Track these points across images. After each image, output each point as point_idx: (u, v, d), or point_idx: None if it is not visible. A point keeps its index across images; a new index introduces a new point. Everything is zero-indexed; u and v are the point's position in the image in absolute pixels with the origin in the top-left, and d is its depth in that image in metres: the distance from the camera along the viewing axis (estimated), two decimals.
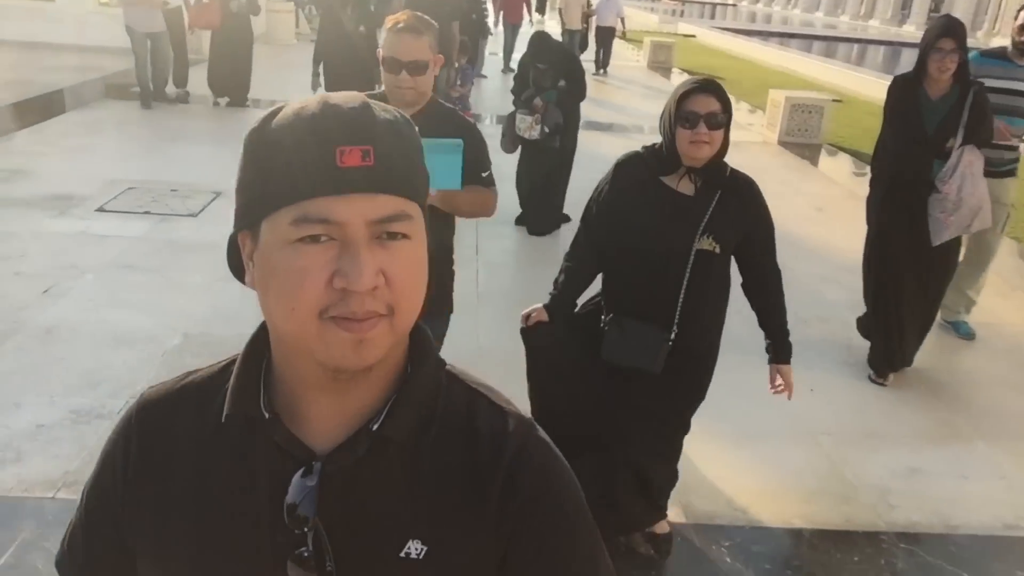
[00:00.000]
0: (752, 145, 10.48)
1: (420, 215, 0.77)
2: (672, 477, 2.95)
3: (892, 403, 4.38)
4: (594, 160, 6.33)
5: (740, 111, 13.01)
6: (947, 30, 3.87)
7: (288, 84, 11.25)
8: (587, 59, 15.31)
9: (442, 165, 2.28)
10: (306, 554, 0.77)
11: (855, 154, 10.38)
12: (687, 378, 2.71)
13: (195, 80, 10.68)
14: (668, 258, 2.49)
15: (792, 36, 27.36)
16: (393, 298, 0.74)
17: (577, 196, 5.83)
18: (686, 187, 2.49)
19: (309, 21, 18.70)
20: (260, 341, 0.84)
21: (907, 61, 21.94)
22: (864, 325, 4.80)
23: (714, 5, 52.95)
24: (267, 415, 0.80)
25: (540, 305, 2.79)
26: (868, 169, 4.44)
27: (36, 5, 13.66)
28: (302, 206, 0.72)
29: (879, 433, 4.09)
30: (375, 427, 0.79)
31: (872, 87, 15.12)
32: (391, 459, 0.80)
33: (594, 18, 15.42)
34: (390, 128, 0.75)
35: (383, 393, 0.82)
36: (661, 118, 2.51)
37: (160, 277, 5.24)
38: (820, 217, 7.56)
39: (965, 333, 5.14)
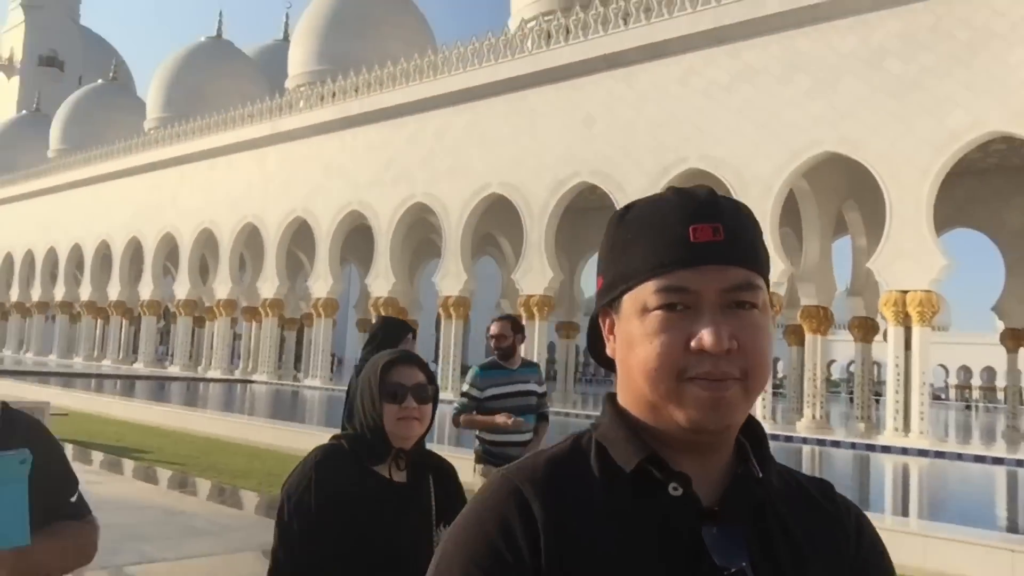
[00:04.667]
0: None
1: (765, 288, 0.85)
2: None
3: None
4: None
5: None
6: (410, 327, 4.93)
7: None
8: None
9: None
10: None
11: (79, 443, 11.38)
12: None
13: None
14: (410, 562, 1.89)
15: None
16: (746, 363, 0.81)
17: None
18: (398, 475, 2.09)
19: None
20: (616, 408, 0.88)
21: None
22: None
23: None
24: (674, 468, 0.82)
25: None
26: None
27: None
28: (662, 278, 0.82)
29: None
30: (761, 475, 0.86)
31: (91, 404, 18.56)
32: (771, 506, 0.86)
33: None
34: (734, 210, 0.85)
35: (731, 458, 0.88)
36: (358, 397, 2.11)
37: None
38: None
39: None
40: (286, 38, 56.84)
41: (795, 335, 25.07)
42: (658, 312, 0.82)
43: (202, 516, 7.29)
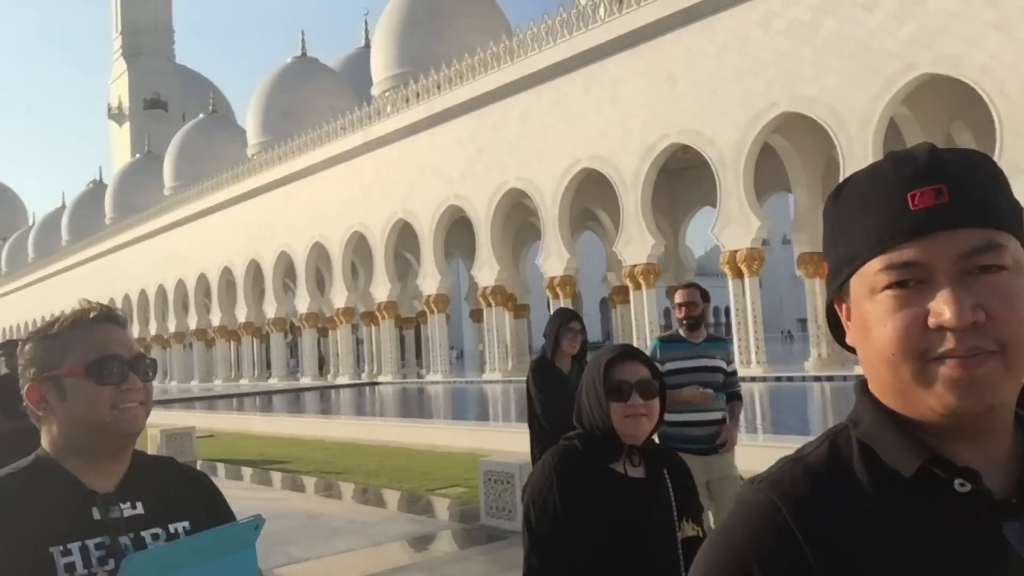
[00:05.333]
0: None
1: (1017, 245, 0.76)
2: None
3: None
4: None
5: None
6: (573, 314, 4.74)
7: None
8: None
9: None
10: None
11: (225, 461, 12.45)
12: None
13: None
14: (659, 559, 2.02)
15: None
16: (1001, 333, 0.72)
17: None
18: (635, 471, 2.08)
19: None
20: (873, 400, 0.81)
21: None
22: None
23: None
24: (958, 465, 0.75)
25: None
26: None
27: None
28: (885, 255, 0.75)
29: None
30: None
31: (234, 423, 20.30)
32: None
33: None
34: (963, 163, 0.76)
35: (1017, 439, 0.79)
36: (583, 395, 2.12)
37: None
38: None
39: None
40: (367, 45, 58.08)
41: None
42: (888, 292, 0.76)
43: (341, 516, 7.80)
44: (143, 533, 1.36)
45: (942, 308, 0.72)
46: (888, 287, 0.75)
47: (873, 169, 0.79)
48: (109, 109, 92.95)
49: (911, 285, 0.74)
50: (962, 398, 0.72)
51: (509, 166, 28.47)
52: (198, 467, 11.25)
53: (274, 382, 40.06)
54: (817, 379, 21.44)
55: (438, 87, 31.45)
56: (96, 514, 1.34)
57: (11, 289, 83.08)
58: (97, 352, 1.37)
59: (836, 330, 0.86)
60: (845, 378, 20.39)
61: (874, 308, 0.76)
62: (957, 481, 0.75)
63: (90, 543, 1.30)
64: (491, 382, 28.93)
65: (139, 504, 1.40)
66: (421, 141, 32.13)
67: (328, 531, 7.16)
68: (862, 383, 0.84)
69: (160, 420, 19.46)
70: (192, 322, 48.40)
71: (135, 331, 54.25)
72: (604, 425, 2.03)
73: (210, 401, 29.90)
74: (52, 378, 1.36)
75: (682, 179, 30.87)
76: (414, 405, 24.70)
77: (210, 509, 1.48)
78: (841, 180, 0.82)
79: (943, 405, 0.73)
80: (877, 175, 0.78)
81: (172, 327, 50.60)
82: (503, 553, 6.14)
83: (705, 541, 0.81)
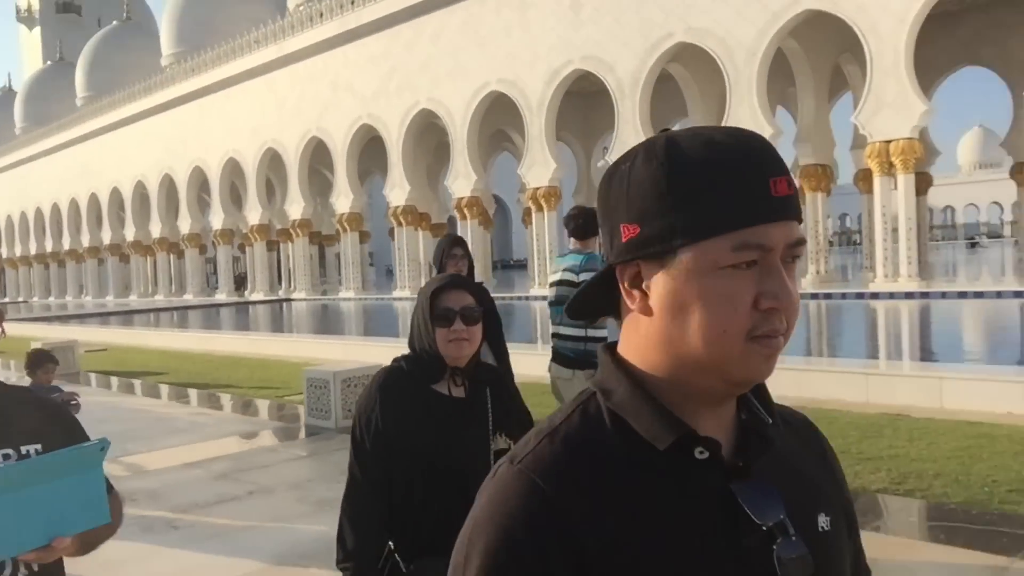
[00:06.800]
0: None
1: None
2: None
3: None
4: None
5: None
6: (457, 240, 4.64)
7: None
8: None
9: (70, 497, 1.29)
10: (793, 538, 0.80)
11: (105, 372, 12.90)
12: None
13: None
14: (470, 469, 2.10)
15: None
16: (789, 316, 0.78)
17: None
18: (456, 391, 2.25)
19: None
20: (627, 370, 0.84)
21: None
22: None
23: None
24: (701, 434, 0.80)
25: None
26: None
27: None
28: (743, 233, 0.75)
29: None
30: (771, 421, 0.85)
31: (129, 338, 20.16)
32: (781, 450, 0.86)
33: None
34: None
35: (734, 404, 0.86)
36: (413, 321, 2.26)
37: None
38: None
39: None
40: None
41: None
42: (729, 270, 0.76)
43: (186, 419, 8.44)
44: None
45: (777, 291, 0.76)
46: (732, 266, 0.76)
47: (710, 141, 0.78)
48: (18, 11, 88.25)
49: (747, 267, 0.76)
50: (760, 372, 0.79)
51: (421, 87, 28.55)
52: (79, 377, 11.85)
53: (189, 298, 40.07)
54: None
55: (352, 2, 31.05)
56: None
57: None
58: None
59: (592, 296, 0.88)
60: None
61: (710, 284, 0.77)
62: (697, 449, 0.80)
63: None
64: (400, 299, 29.59)
65: None
66: (335, 58, 31.85)
67: (169, 430, 7.81)
68: (610, 349, 0.87)
69: (49, 335, 19.76)
70: (106, 237, 47.66)
71: (48, 245, 53.18)
72: (431, 348, 2.18)
73: (122, 316, 30.01)
74: None
75: (596, 103, 31.35)
76: (316, 321, 25.25)
77: (68, 436, 1.51)
78: (662, 135, 0.82)
79: (744, 378, 0.79)
80: (724, 151, 0.78)
81: (86, 241, 49.74)
82: (313, 445, 6.92)
83: (472, 521, 0.81)
